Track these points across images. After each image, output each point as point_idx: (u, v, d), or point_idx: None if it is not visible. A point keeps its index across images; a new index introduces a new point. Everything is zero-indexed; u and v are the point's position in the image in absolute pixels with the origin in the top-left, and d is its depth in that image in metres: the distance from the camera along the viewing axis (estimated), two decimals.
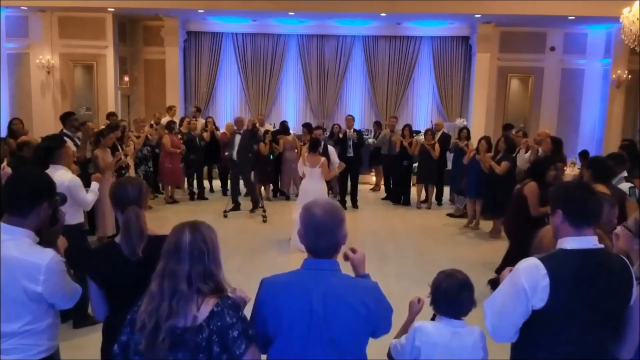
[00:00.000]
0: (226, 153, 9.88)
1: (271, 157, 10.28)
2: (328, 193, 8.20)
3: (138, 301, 1.97)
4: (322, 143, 8.02)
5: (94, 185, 4.84)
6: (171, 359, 1.83)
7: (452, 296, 2.26)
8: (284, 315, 1.95)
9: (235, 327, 1.85)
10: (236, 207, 9.27)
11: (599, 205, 2.14)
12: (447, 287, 2.28)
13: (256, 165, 10.36)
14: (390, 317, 2.08)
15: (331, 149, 8.12)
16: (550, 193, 2.24)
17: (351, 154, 10.12)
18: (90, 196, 4.68)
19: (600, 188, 4.37)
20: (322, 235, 1.98)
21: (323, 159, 7.34)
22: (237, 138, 9.46)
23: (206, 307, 1.86)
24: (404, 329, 2.34)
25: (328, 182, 8.11)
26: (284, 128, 10.98)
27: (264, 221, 8.61)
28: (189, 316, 1.84)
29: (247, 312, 2.01)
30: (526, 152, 8.08)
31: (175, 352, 1.82)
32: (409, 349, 2.23)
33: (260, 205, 9.09)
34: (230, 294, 1.97)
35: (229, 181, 11.17)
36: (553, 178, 5.44)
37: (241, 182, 9.59)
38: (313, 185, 7.31)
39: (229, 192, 10.93)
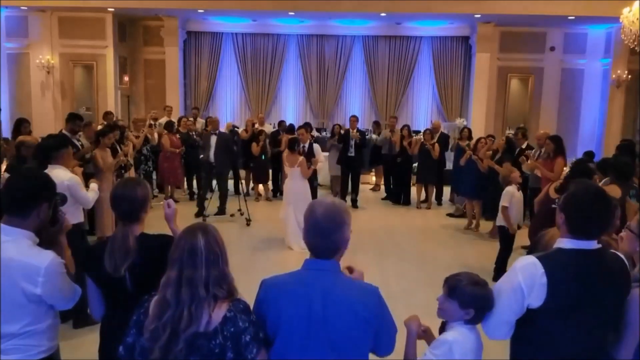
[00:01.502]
0: (201, 156, 9.30)
1: (263, 157, 10.25)
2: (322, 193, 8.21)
3: (144, 302, 1.95)
4: (308, 142, 8.06)
5: (94, 185, 4.84)
6: None
7: (489, 307, 2.19)
8: (284, 315, 1.94)
9: (247, 332, 1.85)
10: (201, 211, 8.76)
11: (605, 223, 2.11)
12: (492, 302, 2.18)
13: (249, 165, 10.37)
14: (393, 336, 2.04)
15: (316, 147, 8.08)
16: (566, 189, 2.21)
17: (352, 154, 10.11)
18: (91, 194, 4.68)
19: (613, 189, 4.38)
20: (320, 236, 1.99)
21: (301, 158, 7.35)
22: (213, 139, 8.97)
23: (219, 312, 1.84)
24: (412, 352, 2.24)
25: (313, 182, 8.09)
26: (290, 128, 10.97)
27: (248, 225, 8.42)
28: (203, 321, 1.83)
29: None
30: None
31: (187, 358, 1.80)
32: None
33: (224, 210, 8.90)
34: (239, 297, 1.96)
35: (230, 181, 11.19)
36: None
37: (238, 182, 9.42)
38: (294, 184, 7.35)
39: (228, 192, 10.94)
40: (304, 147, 7.99)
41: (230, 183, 11.11)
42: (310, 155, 7.80)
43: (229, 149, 9.00)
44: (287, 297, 1.96)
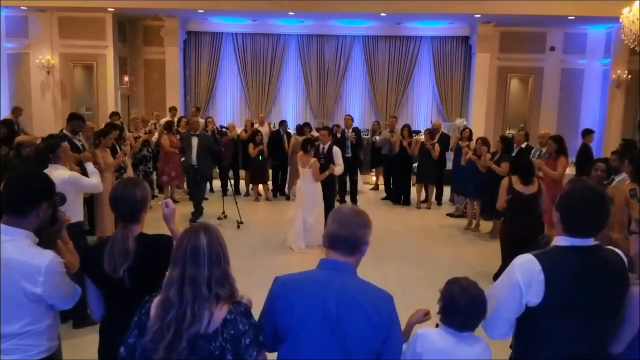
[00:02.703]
0: (182, 158, 8.83)
1: (260, 157, 10.25)
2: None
3: (145, 303, 1.95)
4: (328, 144, 7.93)
5: (89, 166, 4.87)
6: None
7: (467, 315, 2.16)
8: (296, 313, 1.95)
9: (247, 335, 1.85)
10: (200, 212, 8.64)
11: (600, 222, 2.11)
12: (463, 304, 2.15)
13: (246, 166, 10.35)
14: (400, 349, 2.04)
15: (336, 151, 7.80)
16: (564, 189, 2.22)
17: (349, 154, 10.10)
18: (94, 179, 4.71)
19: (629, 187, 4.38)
20: (344, 226, 2.03)
21: (313, 159, 7.32)
22: (194, 141, 8.59)
23: (219, 314, 1.85)
24: (405, 335, 2.25)
25: (332, 183, 7.99)
26: (298, 128, 10.99)
27: (238, 227, 8.20)
28: (204, 321, 1.83)
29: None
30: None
31: (188, 358, 1.81)
32: (410, 356, 2.16)
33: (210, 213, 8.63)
34: (240, 299, 1.96)
35: (230, 181, 11.18)
36: (597, 179, 5.19)
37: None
38: (306, 185, 7.34)
39: (229, 192, 10.94)
40: (323, 148, 7.87)
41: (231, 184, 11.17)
42: (328, 157, 7.70)
43: (210, 150, 8.76)
44: (300, 295, 1.97)
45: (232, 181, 10.05)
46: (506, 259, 5.77)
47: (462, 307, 2.14)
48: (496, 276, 5.92)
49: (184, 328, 1.80)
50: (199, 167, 8.58)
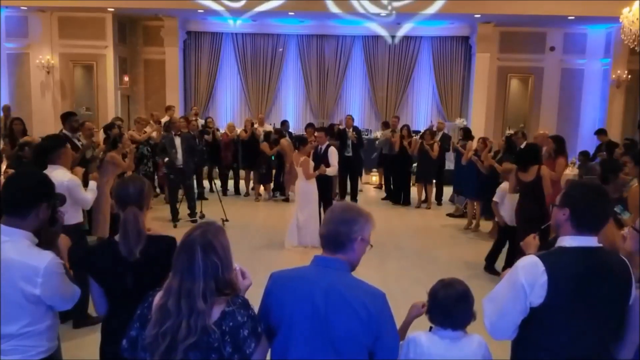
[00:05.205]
0: (166, 159, 8.63)
1: (272, 157, 10.26)
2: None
3: (148, 296, 1.96)
4: (325, 145, 7.93)
5: (92, 184, 4.84)
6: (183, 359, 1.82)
7: (447, 308, 2.20)
8: (286, 308, 1.97)
9: (245, 326, 1.86)
10: (176, 215, 8.48)
11: (607, 215, 2.13)
12: (444, 297, 2.21)
13: (254, 165, 10.37)
14: (395, 348, 2.03)
15: (332, 151, 7.85)
16: (566, 188, 2.23)
17: (350, 154, 10.10)
18: (89, 195, 4.67)
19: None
20: (329, 223, 2.05)
21: (303, 158, 7.33)
22: (178, 141, 8.46)
23: (218, 308, 1.86)
24: (402, 331, 2.29)
25: (328, 182, 7.96)
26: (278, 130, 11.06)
27: (222, 225, 8.08)
28: (200, 327, 1.83)
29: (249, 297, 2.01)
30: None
31: (186, 353, 1.82)
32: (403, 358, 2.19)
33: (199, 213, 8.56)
34: (240, 293, 1.96)
35: (230, 181, 11.18)
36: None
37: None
38: (301, 183, 7.36)
39: (229, 192, 10.94)
40: (320, 148, 7.89)
41: (231, 183, 11.17)
42: (324, 157, 7.71)
43: (193, 150, 8.73)
44: (291, 292, 1.99)
45: (233, 181, 10.05)
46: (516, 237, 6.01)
47: (444, 300, 2.20)
48: (508, 254, 6.06)
49: (179, 339, 1.81)
50: (184, 167, 8.47)
